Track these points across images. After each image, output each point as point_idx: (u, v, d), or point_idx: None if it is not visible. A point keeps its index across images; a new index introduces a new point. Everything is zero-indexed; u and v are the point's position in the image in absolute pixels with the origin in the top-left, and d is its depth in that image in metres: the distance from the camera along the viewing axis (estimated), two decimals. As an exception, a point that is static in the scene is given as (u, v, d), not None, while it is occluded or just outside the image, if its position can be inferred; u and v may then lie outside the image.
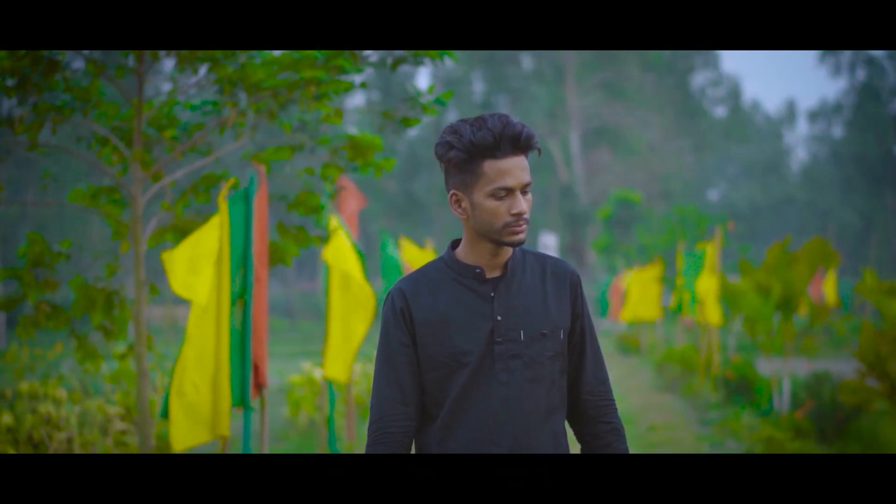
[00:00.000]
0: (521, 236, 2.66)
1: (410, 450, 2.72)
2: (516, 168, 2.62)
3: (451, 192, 2.70)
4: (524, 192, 2.66)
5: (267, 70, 4.71)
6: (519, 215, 2.64)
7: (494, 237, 2.67)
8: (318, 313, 36.95)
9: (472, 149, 2.60)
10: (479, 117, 2.64)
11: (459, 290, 2.70)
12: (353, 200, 8.08)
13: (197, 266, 4.53)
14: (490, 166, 2.62)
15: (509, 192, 2.63)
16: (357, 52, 4.79)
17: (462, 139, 2.61)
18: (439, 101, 5.02)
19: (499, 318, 2.68)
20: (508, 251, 2.73)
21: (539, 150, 2.69)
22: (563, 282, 2.77)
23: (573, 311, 2.77)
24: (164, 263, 4.50)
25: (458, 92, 48.48)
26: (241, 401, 4.94)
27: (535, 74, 51.03)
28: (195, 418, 4.61)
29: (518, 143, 2.62)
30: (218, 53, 4.67)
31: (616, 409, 2.84)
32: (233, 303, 4.84)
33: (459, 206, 2.69)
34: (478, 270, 2.71)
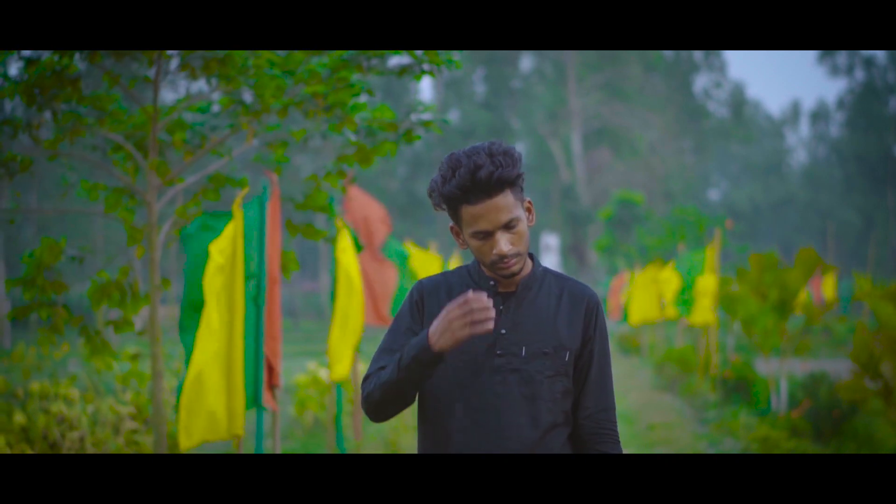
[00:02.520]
0: (510, 270, 2.69)
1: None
2: (490, 212, 2.62)
3: (451, 225, 2.76)
4: (510, 228, 2.65)
5: (278, 83, 4.85)
6: (500, 257, 2.66)
7: (490, 269, 2.72)
8: (320, 313, 37.09)
9: (445, 200, 2.66)
10: (456, 159, 2.64)
11: None
12: (381, 226, 8.21)
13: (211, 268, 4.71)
14: (466, 211, 2.64)
15: (487, 234, 2.65)
16: (363, 61, 4.93)
17: (437, 188, 2.67)
18: (444, 122, 5.15)
19: (503, 331, 2.72)
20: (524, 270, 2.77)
21: (522, 188, 2.67)
22: (580, 305, 2.78)
23: (584, 334, 2.77)
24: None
25: (459, 92, 48.57)
26: (254, 402, 5.10)
27: (536, 74, 51.13)
28: (206, 417, 4.76)
29: (489, 189, 2.61)
30: (232, 72, 4.82)
31: (615, 438, 2.80)
32: (247, 306, 5.00)
33: (459, 238, 2.75)
34: (492, 283, 2.75)
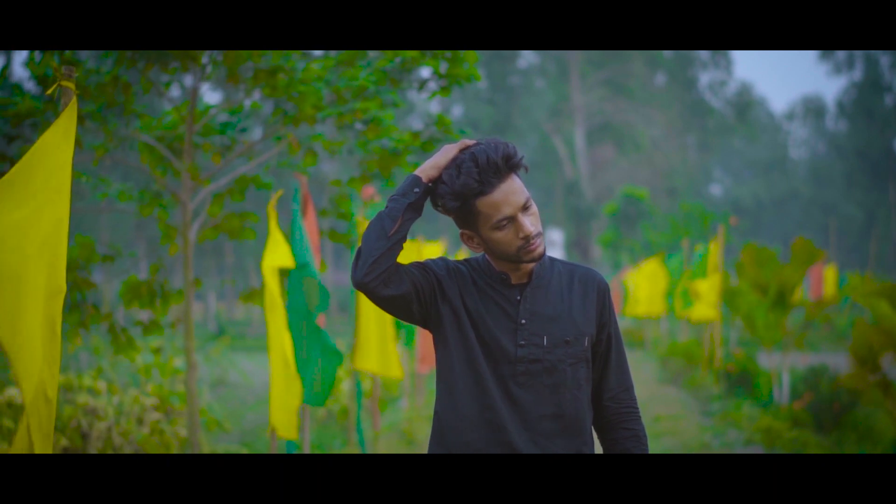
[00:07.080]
0: (538, 251, 2.71)
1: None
2: (509, 195, 2.65)
3: (461, 231, 2.76)
4: (527, 209, 2.68)
5: (318, 96, 5.12)
6: (527, 237, 2.68)
7: (514, 260, 2.73)
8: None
9: (461, 196, 2.67)
10: (470, 152, 2.67)
11: (489, 290, 2.76)
12: None
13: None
14: (482, 203, 2.66)
15: (510, 219, 2.67)
16: (397, 75, 5.20)
17: (450, 188, 2.67)
18: (462, 132, 5.41)
19: (523, 321, 2.72)
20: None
21: (526, 168, 2.69)
22: (591, 289, 2.79)
23: (599, 319, 2.79)
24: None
25: (462, 88, 48.70)
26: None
27: (539, 71, 51.27)
28: (293, 410, 5.11)
29: (499, 172, 2.65)
30: (281, 82, 5.08)
31: (639, 416, 2.85)
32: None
33: (473, 242, 2.75)
34: (504, 276, 2.76)
